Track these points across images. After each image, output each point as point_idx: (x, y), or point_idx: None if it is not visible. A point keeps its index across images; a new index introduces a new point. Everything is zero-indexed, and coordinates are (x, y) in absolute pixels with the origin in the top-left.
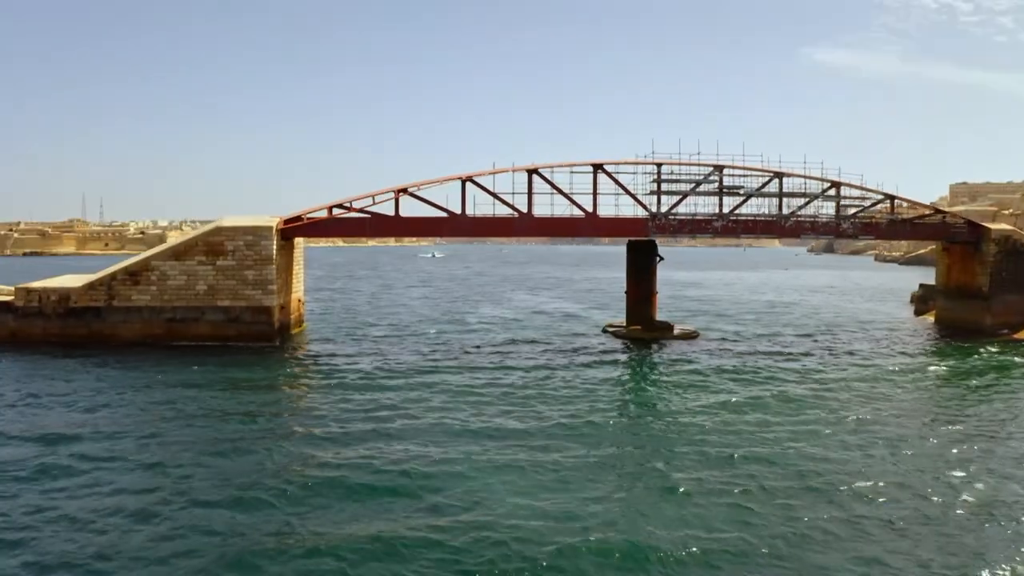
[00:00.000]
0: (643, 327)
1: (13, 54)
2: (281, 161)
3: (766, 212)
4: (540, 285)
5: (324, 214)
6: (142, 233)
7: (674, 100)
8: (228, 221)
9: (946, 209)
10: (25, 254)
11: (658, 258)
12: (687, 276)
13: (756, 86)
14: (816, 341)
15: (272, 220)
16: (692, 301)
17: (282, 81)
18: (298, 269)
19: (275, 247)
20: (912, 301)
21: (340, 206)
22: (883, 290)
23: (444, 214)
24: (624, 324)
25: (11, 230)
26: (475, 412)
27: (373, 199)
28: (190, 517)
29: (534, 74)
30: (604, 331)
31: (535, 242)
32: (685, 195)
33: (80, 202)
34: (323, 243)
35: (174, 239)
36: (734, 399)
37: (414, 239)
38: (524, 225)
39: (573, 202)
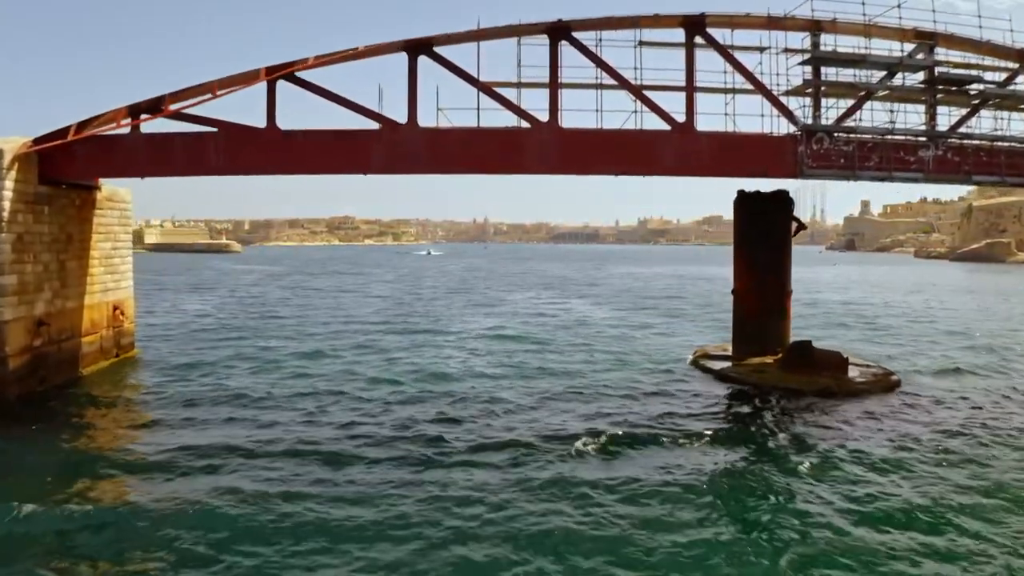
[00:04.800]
0: (783, 363)
1: (12, 52)
2: None
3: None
4: (554, 283)
5: (125, 128)
6: None
7: None
8: None
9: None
10: None
11: (795, 224)
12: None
13: None
14: None
15: (8, 141)
16: None
17: None
18: (111, 247)
19: (9, 196)
20: None
21: (156, 108)
22: (1011, 291)
23: (374, 124)
24: (730, 352)
25: None
26: None
27: (214, 91)
28: None
29: None
30: (697, 366)
31: (536, 241)
32: (868, 94)
33: None
34: (319, 241)
35: (153, 236)
36: None
37: (401, 236)
38: (540, 146)
39: (645, 100)
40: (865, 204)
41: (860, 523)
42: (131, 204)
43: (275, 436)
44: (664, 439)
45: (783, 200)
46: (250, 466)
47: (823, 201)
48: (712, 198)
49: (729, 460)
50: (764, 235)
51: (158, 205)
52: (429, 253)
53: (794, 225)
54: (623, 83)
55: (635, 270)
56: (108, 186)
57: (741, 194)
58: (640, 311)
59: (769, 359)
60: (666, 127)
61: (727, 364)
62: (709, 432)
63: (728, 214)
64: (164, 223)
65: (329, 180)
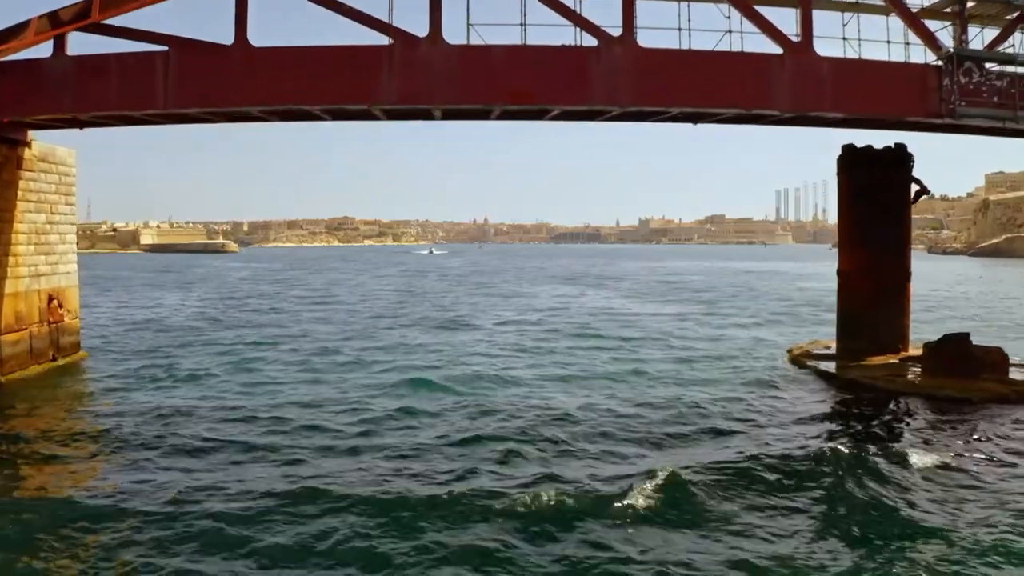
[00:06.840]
0: (930, 363)
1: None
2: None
3: None
4: (571, 276)
5: (45, 45)
6: (114, 231)
7: None
8: None
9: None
10: None
11: (915, 188)
12: (781, 269)
13: None
14: None
15: None
16: None
17: None
18: (46, 221)
19: None
20: None
21: (83, 16)
22: None
23: (382, 38)
24: (834, 349)
25: None
26: None
27: None
28: None
29: None
30: (801, 368)
31: (537, 241)
32: (1022, 15)
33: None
34: (318, 242)
35: (149, 237)
36: None
37: (401, 237)
38: (610, 70)
39: (750, 13)
40: None
41: None
42: (75, 168)
43: (239, 458)
44: (804, 470)
45: (901, 156)
46: (209, 510)
47: (825, 200)
48: (713, 198)
49: (920, 506)
50: (879, 201)
51: (157, 208)
52: (431, 252)
53: (914, 188)
54: None
55: (651, 264)
56: (43, 143)
57: (849, 150)
58: (686, 303)
59: (892, 358)
60: (774, 50)
61: (835, 369)
62: (872, 462)
63: (731, 213)
64: (161, 224)
65: (328, 180)
